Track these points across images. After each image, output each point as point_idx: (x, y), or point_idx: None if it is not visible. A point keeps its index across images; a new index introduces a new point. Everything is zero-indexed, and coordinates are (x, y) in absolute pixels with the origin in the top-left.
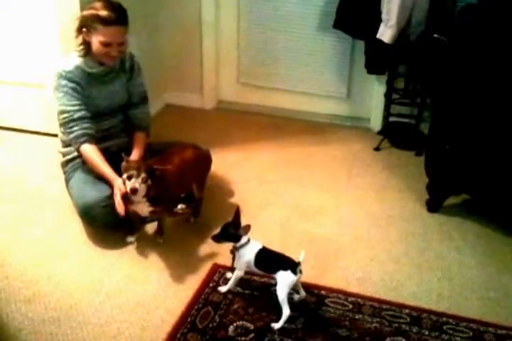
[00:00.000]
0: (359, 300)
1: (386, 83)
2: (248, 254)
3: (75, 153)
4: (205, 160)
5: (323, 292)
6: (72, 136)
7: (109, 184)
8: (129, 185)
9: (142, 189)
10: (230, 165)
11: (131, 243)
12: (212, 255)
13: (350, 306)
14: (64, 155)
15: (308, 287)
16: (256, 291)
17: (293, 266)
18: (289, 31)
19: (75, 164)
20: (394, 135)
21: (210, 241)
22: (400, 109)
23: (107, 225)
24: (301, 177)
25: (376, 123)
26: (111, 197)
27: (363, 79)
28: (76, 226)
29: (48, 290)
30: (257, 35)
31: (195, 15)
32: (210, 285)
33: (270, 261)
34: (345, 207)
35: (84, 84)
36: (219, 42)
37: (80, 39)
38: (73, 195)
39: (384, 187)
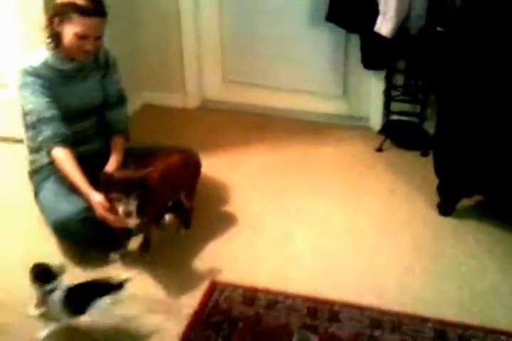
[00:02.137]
0: (376, 314)
1: (385, 79)
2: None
3: (45, 161)
4: (194, 165)
5: (335, 307)
6: (42, 137)
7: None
8: (121, 209)
9: (134, 205)
10: (219, 170)
11: (115, 261)
12: (208, 271)
13: (367, 322)
14: (31, 163)
15: (318, 302)
16: (261, 309)
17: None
18: (278, 24)
19: (44, 173)
20: (396, 134)
21: (204, 255)
22: (401, 106)
23: (86, 241)
24: (299, 182)
25: (376, 122)
26: (88, 209)
27: (360, 75)
28: (49, 244)
29: (23, 320)
30: (242, 29)
31: (173, 5)
32: (209, 305)
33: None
34: (350, 213)
35: (54, 81)
36: (201, 36)
37: (49, 31)
38: (44, 209)
39: (390, 191)
